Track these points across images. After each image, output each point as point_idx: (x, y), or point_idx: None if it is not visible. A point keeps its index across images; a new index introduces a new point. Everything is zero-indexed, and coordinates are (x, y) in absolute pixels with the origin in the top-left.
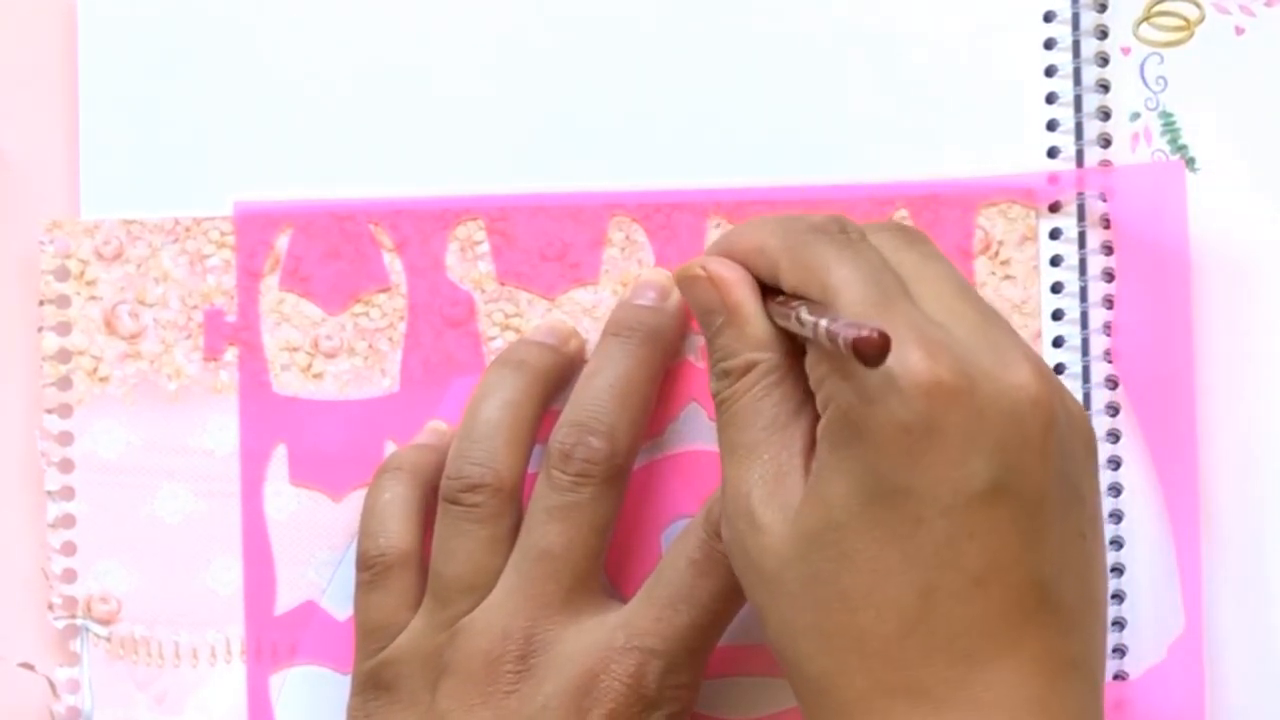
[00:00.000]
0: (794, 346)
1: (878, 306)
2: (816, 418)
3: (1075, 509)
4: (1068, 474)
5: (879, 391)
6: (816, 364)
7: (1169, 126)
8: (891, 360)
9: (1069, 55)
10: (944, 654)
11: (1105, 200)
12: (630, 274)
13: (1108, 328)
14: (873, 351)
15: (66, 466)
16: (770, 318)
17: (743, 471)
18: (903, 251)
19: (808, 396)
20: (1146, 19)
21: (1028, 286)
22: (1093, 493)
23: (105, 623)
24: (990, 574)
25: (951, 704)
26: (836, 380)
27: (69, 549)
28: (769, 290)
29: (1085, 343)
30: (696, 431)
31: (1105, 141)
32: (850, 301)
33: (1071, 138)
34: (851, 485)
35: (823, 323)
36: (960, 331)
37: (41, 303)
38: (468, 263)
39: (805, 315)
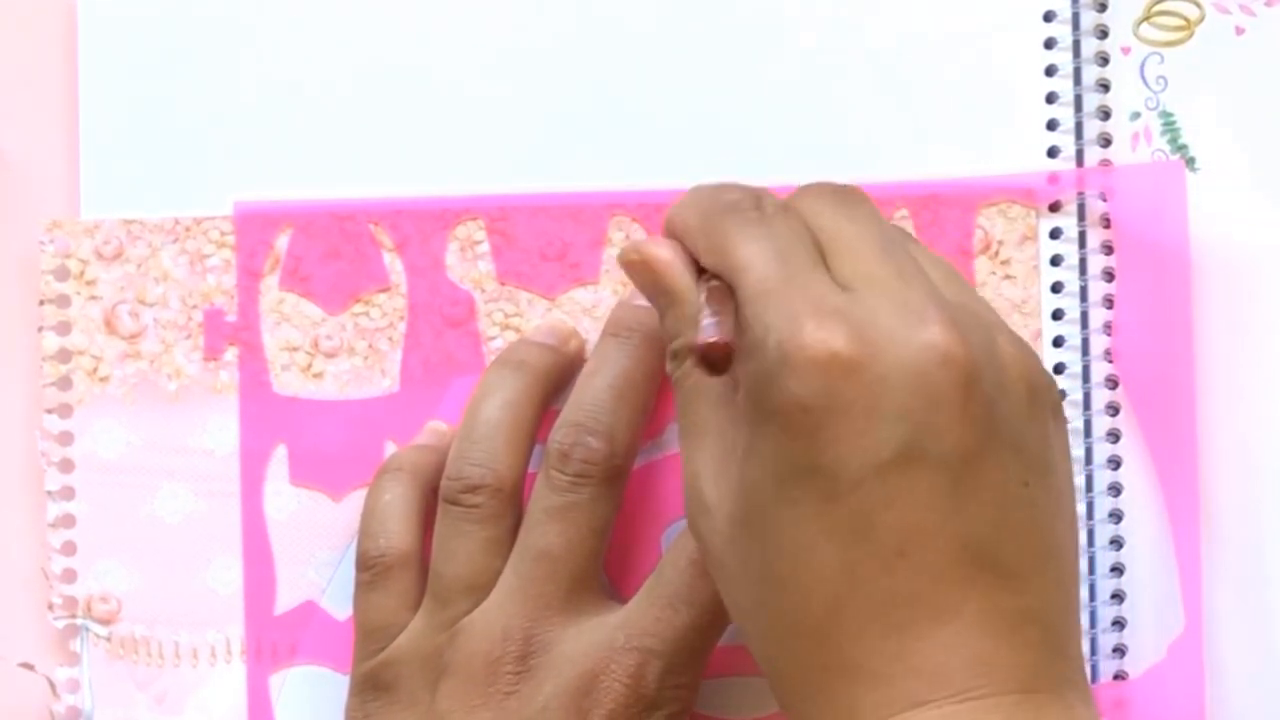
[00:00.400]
0: None
1: (778, 282)
2: None
3: (1011, 460)
4: (998, 426)
5: (776, 371)
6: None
7: (1169, 126)
8: (785, 337)
9: (1069, 55)
10: (876, 627)
11: (1105, 200)
12: None
13: (1108, 328)
14: (716, 357)
15: (66, 466)
16: None
17: (693, 452)
18: (827, 215)
19: None
20: (1146, 19)
21: (1028, 286)
22: (1039, 440)
23: (105, 622)
24: (912, 542)
25: (890, 676)
26: (742, 361)
27: (69, 549)
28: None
29: (1085, 343)
30: None
31: (1105, 141)
32: (753, 280)
33: (1071, 137)
34: (766, 466)
35: (704, 321)
36: (870, 296)
37: (41, 302)
38: (468, 262)
39: (704, 307)
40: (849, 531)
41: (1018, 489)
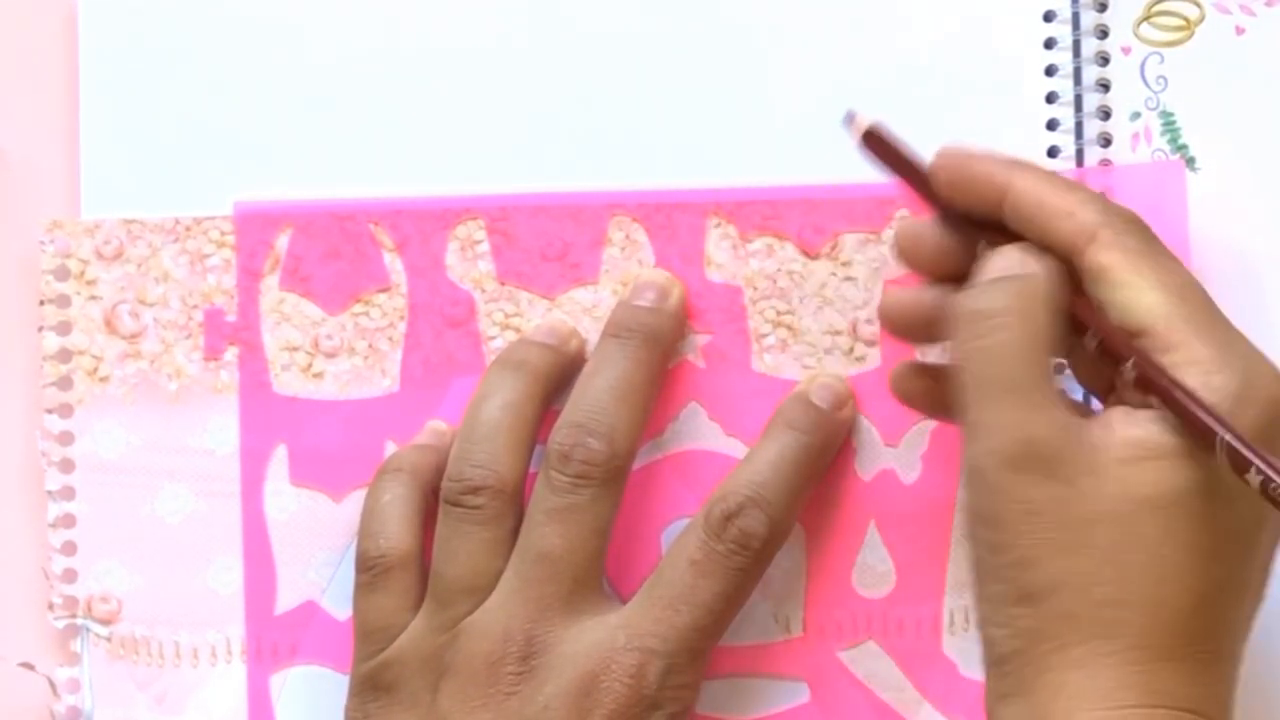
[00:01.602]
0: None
1: (1216, 314)
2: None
3: None
4: None
5: (1239, 398)
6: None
7: (1169, 126)
8: (1249, 370)
9: (1069, 55)
10: (1213, 640)
11: None
12: (630, 274)
13: None
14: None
15: (67, 466)
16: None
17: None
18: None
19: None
20: (1146, 19)
21: None
22: None
23: (106, 622)
24: (1258, 586)
25: (1202, 680)
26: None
27: (69, 549)
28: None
29: None
30: (696, 431)
31: (1105, 141)
32: (1197, 305)
33: (1071, 137)
34: (1194, 474)
35: (1256, 464)
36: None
37: (42, 302)
38: (468, 262)
39: (1204, 417)
40: (1241, 553)
41: None
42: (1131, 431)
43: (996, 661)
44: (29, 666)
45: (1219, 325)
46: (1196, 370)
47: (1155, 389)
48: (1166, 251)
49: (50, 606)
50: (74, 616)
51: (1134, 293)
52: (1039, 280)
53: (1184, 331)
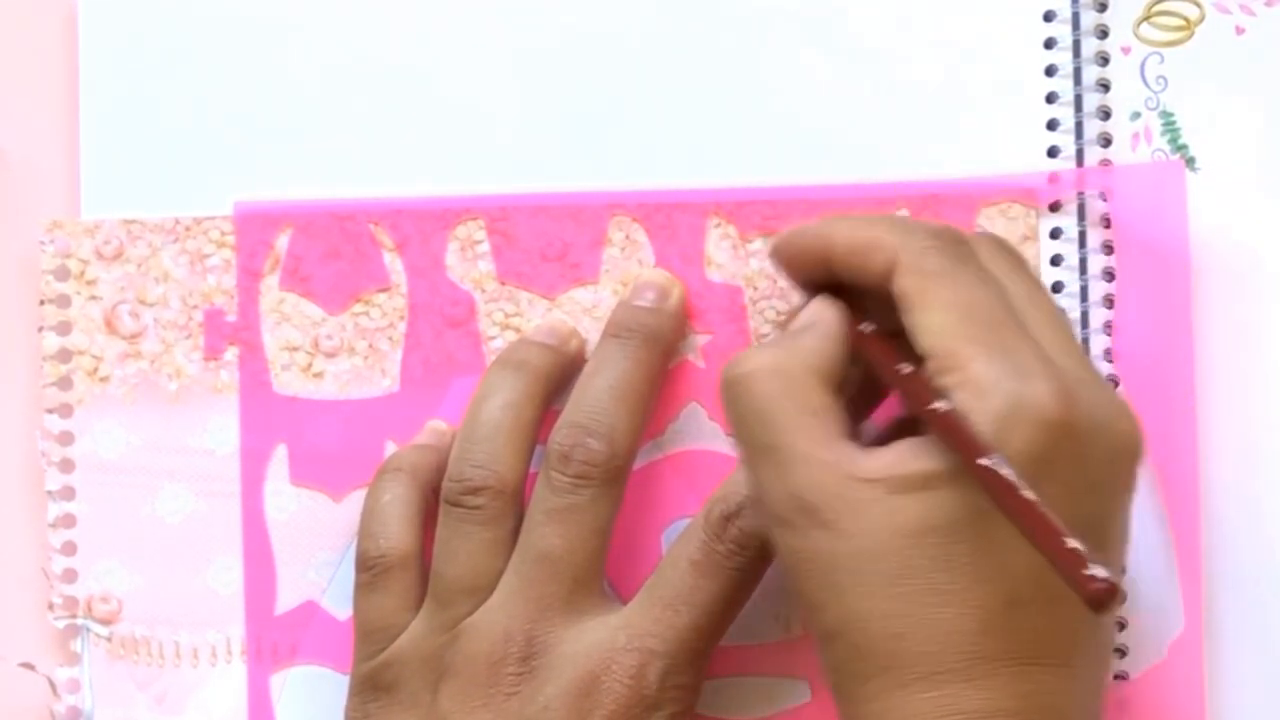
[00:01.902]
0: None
1: (1004, 333)
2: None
3: (1127, 541)
4: (1126, 508)
5: (1008, 421)
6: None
7: (1169, 126)
8: (1024, 391)
9: (1069, 55)
10: (1014, 656)
11: (1105, 200)
12: (630, 274)
13: (1108, 327)
14: (1104, 600)
15: (67, 466)
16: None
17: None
18: (1014, 274)
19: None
20: (1147, 18)
21: None
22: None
23: (106, 622)
24: (1066, 595)
25: (1009, 696)
26: (951, 420)
27: (69, 549)
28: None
29: (1085, 343)
30: (696, 431)
31: (1105, 141)
32: (978, 325)
33: (1071, 137)
34: (964, 498)
35: (1027, 500)
36: (1075, 371)
37: (42, 302)
38: (468, 262)
39: (953, 437)
40: (1025, 572)
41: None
42: (899, 461)
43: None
44: (29, 666)
45: (1002, 344)
46: (968, 392)
47: (923, 415)
48: (971, 268)
49: (50, 606)
50: (74, 616)
51: (922, 315)
52: (797, 334)
53: (964, 353)
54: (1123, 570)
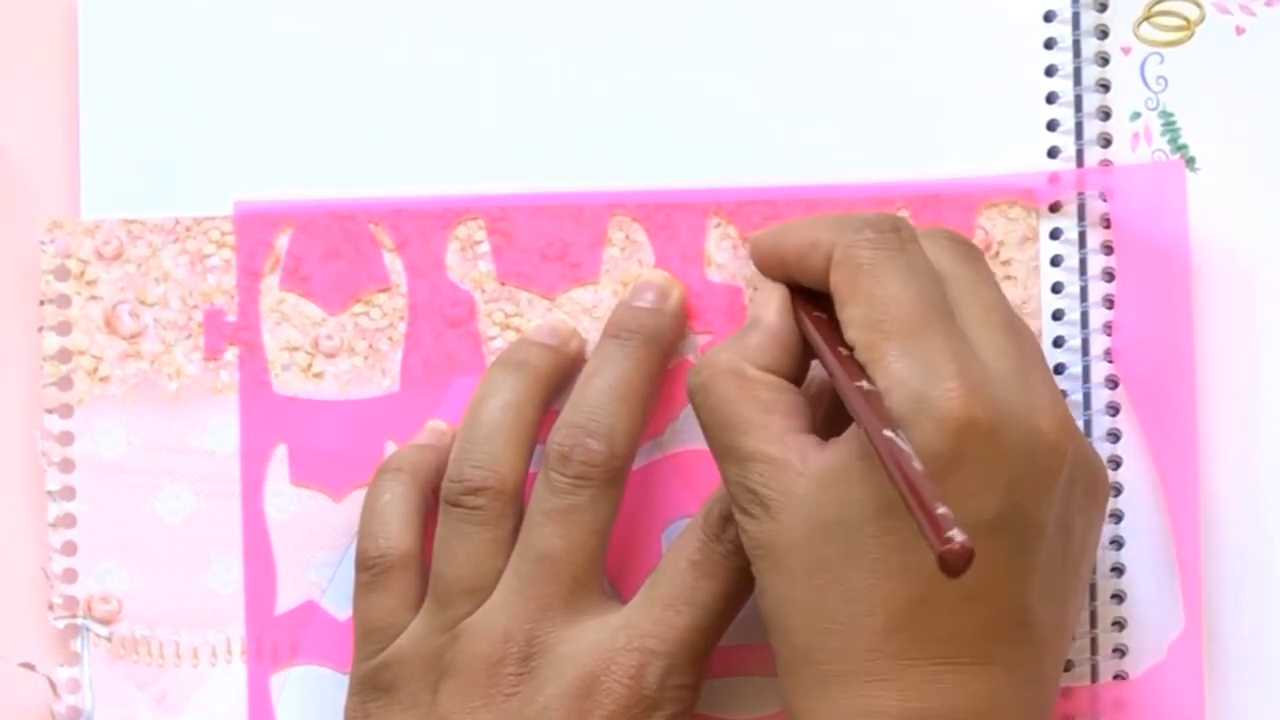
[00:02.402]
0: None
1: (923, 325)
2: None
3: (1064, 545)
4: (1068, 510)
5: (912, 417)
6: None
7: (1169, 126)
8: (929, 387)
9: (1069, 55)
10: (925, 654)
11: (1105, 200)
12: (630, 274)
13: (1108, 328)
14: (957, 564)
15: (67, 466)
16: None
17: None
18: (959, 266)
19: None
20: (1147, 19)
21: (1028, 287)
22: (1086, 531)
23: (106, 622)
24: (980, 593)
25: (922, 695)
26: (871, 399)
27: (70, 549)
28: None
29: (1085, 343)
30: (696, 431)
31: (1105, 141)
32: (895, 318)
33: (1071, 138)
34: (872, 492)
35: (910, 467)
36: (999, 367)
37: (42, 303)
38: (468, 262)
39: (862, 414)
40: (933, 569)
41: (1059, 569)
42: (828, 454)
43: None
44: (29, 666)
45: (919, 338)
46: (880, 386)
47: (844, 398)
48: (903, 260)
49: (50, 606)
50: (74, 616)
51: (846, 309)
52: (746, 332)
53: (880, 347)
54: (1092, 565)
